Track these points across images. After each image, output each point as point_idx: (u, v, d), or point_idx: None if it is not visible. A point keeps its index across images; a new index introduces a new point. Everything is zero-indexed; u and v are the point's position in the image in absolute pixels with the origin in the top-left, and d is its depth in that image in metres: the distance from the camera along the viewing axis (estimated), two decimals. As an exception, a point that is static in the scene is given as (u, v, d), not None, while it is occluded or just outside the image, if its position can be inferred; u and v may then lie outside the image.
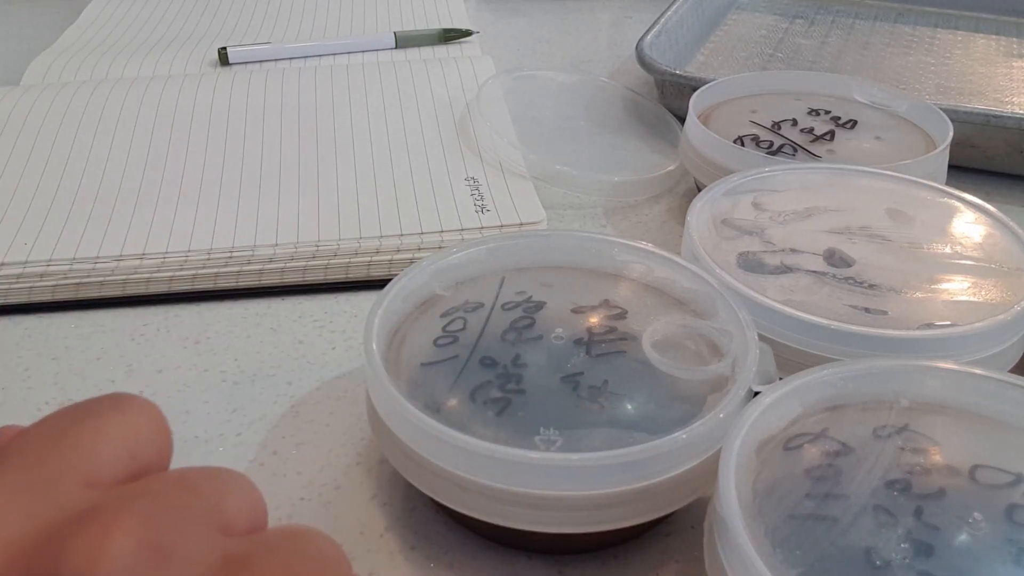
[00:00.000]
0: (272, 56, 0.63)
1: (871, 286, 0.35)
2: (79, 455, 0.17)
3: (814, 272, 0.36)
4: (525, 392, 0.29)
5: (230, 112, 0.52)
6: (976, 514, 0.24)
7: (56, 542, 0.15)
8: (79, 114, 0.51)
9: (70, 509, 0.16)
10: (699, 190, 0.45)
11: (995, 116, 0.49)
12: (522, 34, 0.74)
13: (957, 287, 0.35)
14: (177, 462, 0.20)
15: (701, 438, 0.27)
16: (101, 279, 0.41)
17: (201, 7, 0.74)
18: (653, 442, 0.27)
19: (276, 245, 0.42)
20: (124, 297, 0.41)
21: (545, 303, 0.33)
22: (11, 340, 0.40)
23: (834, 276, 0.35)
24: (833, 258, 0.36)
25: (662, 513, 0.28)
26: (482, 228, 0.44)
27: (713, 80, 0.51)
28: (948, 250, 0.37)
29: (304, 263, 0.42)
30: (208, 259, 0.42)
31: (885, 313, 0.33)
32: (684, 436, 0.27)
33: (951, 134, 0.45)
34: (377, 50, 0.65)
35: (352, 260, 0.42)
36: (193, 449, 0.34)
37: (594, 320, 0.32)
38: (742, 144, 0.46)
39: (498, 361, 0.31)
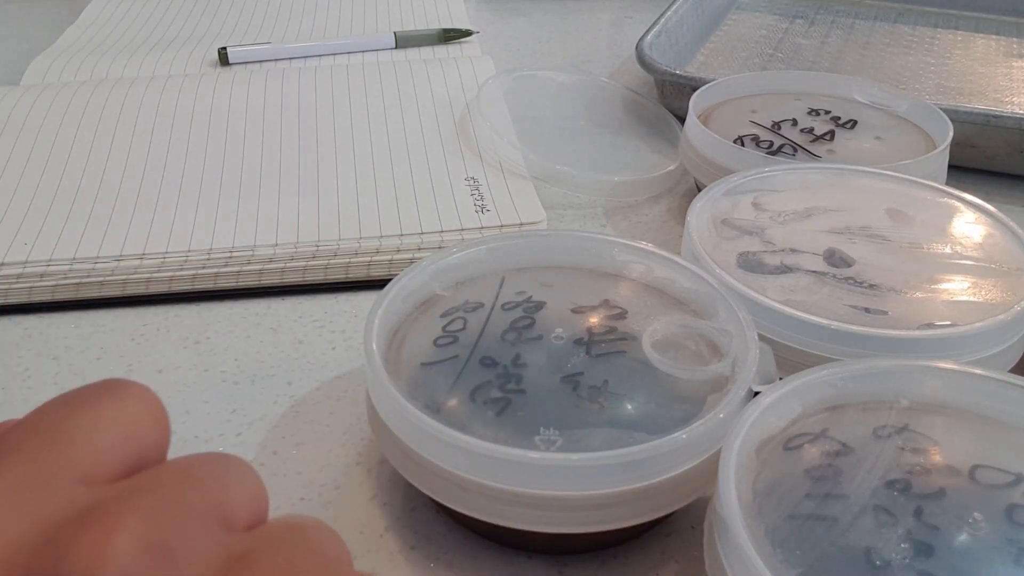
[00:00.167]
0: (272, 56, 0.63)
1: (871, 286, 0.35)
2: (76, 449, 0.17)
3: (814, 272, 0.36)
4: (525, 392, 0.29)
5: (230, 112, 0.52)
6: (976, 514, 0.24)
7: (57, 544, 0.15)
8: (79, 114, 0.51)
9: (69, 508, 0.16)
10: (699, 190, 0.45)
11: (995, 116, 0.49)
12: (522, 34, 0.74)
13: (957, 287, 0.35)
14: (177, 462, 0.20)
15: (701, 438, 0.27)
16: (101, 279, 0.41)
17: (201, 7, 0.74)
18: (653, 442, 0.27)
19: (276, 245, 0.42)
20: (124, 297, 0.41)
21: (545, 303, 0.33)
22: (11, 340, 0.40)
23: (834, 276, 0.35)
24: (833, 258, 0.36)
25: (662, 513, 0.28)
26: (482, 228, 0.44)
27: (713, 80, 0.51)
28: (948, 250, 0.37)
29: (304, 263, 0.42)
30: (208, 259, 0.42)
31: (885, 313, 0.33)
32: (684, 436, 0.27)
33: (951, 134, 0.45)
34: (377, 50, 0.65)
35: (352, 260, 0.42)
36: (193, 449, 0.34)
37: (594, 320, 0.32)
38: (742, 144, 0.46)
39: (498, 361, 0.31)
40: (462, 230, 0.43)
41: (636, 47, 0.57)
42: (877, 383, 0.28)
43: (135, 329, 0.40)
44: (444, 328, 0.32)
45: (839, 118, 0.49)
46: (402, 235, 0.43)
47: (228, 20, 0.71)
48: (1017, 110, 0.56)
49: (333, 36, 0.68)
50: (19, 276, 0.41)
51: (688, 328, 0.32)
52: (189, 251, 0.42)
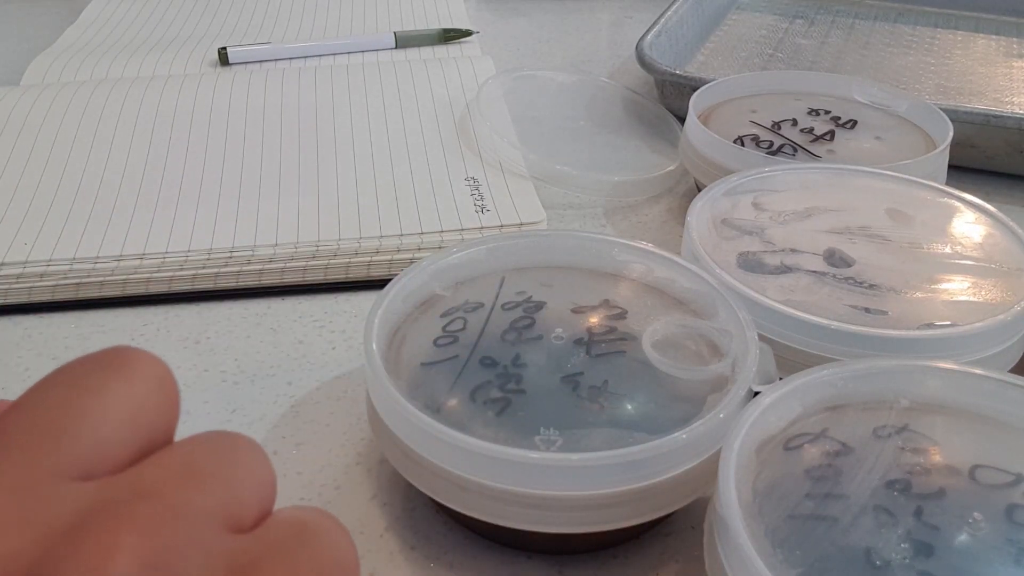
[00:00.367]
0: (272, 56, 0.63)
1: (871, 286, 0.35)
2: (78, 444, 0.16)
3: (814, 272, 0.36)
4: (525, 392, 0.29)
5: (230, 112, 0.52)
6: (976, 514, 0.24)
7: (54, 560, 0.14)
8: (79, 114, 0.51)
9: (69, 511, 0.15)
10: (699, 190, 0.45)
11: (995, 116, 0.49)
12: (522, 34, 0.74)
13: (957, 287, 0.35)
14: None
15: (701, 438, 0.27)
16: (101, 279, 0.41)
17: (201, 7, 0.74)
18: (653, 442, 0.27)
19: (276, 245, 0.42)
20: (124, 297, 0.41)
21: (545, 303, 0.33)
22: (11, 340, 0.40)
23: (834, 276, 0.35)
24: (833, 258, 0.36)
25: (662, 513, 0.28)
26: (482, 228, 0.44)
27: (713, 80, 0.51)
28: (948, 250, 0.37)
29: (304, 263, 0.42)
30: (208, 259, 0.42)
31: (885, 313, 0.33)
32: (684, 436, 0.27)
33: (951, 134, 0.45)
34: (377, 50, 0.65)
35: (352, 260, 0.42)
36: (193, 449, 0.34)
37: (594, 320, 0.32)
38: (742, 144, 0.46)
39: (498, 361, 0.31)
40: (462, 230, 0.43)
41: (636, 47, 0.57)
42: (877, 383, 0.28)
43: (135, 329, 0.40)
44: (444, 328, 0.32)
45: (839, 118, 0.49)
46: (402, 235, 0.43)
47: (228, 20, 0.71)
48: (1017, 110, 0.56)
49: (333, 36, 0.68)
50: (19, 276, 0.41)
51: (688, 328, 0.32)
52: (189, 251, 0.42)
